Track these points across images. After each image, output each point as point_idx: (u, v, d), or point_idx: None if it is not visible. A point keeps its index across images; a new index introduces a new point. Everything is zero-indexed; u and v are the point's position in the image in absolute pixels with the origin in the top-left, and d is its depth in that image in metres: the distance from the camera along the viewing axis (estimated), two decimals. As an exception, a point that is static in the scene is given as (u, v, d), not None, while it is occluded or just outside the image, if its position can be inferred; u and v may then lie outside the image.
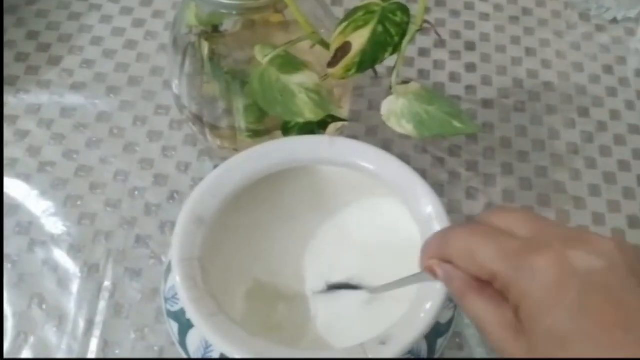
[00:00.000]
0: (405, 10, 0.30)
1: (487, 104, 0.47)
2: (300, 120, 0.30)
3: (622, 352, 0.18)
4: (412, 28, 0.31)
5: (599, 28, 0.52)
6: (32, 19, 0.49)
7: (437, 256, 0.24)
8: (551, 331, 0.20)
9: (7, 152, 0.43)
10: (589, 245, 0.21)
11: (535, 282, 0.20)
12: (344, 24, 0.30)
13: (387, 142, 0.45)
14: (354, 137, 0.45)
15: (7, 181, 0.42)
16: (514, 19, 0.52)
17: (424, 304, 0.27)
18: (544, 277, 0.20)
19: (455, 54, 0.50)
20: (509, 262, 0.21)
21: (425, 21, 0.31)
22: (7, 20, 0.49)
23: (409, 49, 0.31)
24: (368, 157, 0.31)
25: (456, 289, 0.24)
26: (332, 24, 0.36)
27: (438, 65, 0.49)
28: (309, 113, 0.30)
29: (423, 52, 0.50)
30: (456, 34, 0.51)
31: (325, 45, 0.31)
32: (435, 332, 0.28)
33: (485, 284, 0.23)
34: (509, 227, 0.23)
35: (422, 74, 0.49)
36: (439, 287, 0.27)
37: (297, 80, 0.30)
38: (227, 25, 0.32)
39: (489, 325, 0.22)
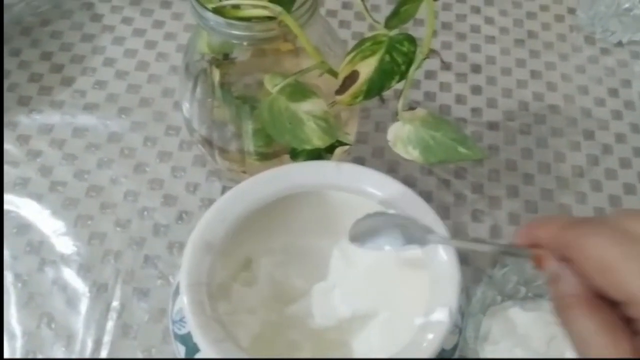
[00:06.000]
0: (411, 40, 0.31)
1: (492, 126, 0.48)
2: (309, 147, 0.31)
3: None
4: (419, 56, 0.31)
5: (604, 51, 0.52)
6: (46, 40, 0.50)
7: (551, 247, 0.22)
8: None
9: (20, 172, 0.44)
10: None
11: None
12: (352, 54, 0.31)
13: (393, 163, 0.45)
14: (360, 158, 0.45)
15: (19, 200, 0.42)
16: (519, 42, 0.53)
17: (428, 331, 0.27)
18: None
19: (461, 77, 0.50)
20: None
21: (432, 50, 0.32)
22: (22, 41, 0.50)
23: (415, 72, 0.32)
24: (375, 183, 0.31)
25: (563, 298, 0.21)
26: (340, 49, 0.37)
27: (444, 87, 0.50)
28: (317, 140, 0.31)
29: (429, 75, 0.50)
30: (462, 57, 0.52)
31: (334, 73, 0.32)
32: (440, 358, 0.29)
33: (602, 304, 0.20)
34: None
35: (429, 96, 0.49)
36: (444, 315, 0.27)
37: (305, 108, 0.31)
38: (238, 52, 0.33)
39: (597, 348, 0.19)
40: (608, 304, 0.20)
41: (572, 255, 0.21)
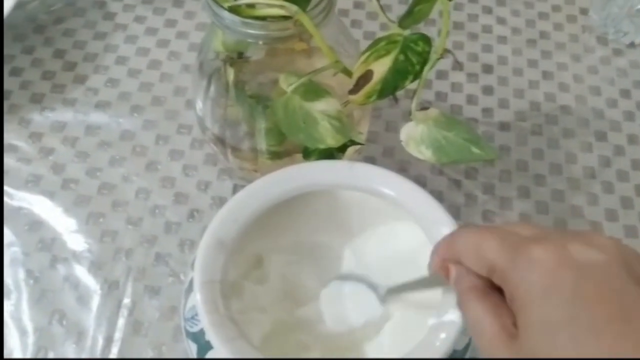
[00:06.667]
0: (426, 40, 0.31)
1: (504, 126, 0.48)
2: (322, 146, 0.31)
3: (622, 342, 0.18)
4: (433, 57, 0.31)
5: (617, 52, 0.52)
6: (59, 38, 0.51)
7: (446, 255, 0.25)
8: (544, 320, 0.19)
9: (32, 169, 0.44)
10: (589, 240, 0.21)
11: (531, 271, 0.20)
12: (367, 53, 0.31)
13: (403, 163, 0.45)
14: (371, 158, 0.45)
15: (31, 197, 0.42)
16: (531, 42, 0.53)
17: (440, 331, 0.27)
18: (540, 266, 0.20)
19: (472, 77, 0.50)
20: (507, 253, 0.22)
21: (446, 50, 0.32)
22: (36, 38, 0.50)
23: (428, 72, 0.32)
24: (388, 182, 0.31)
25: (461, 290, 0.24)
26: (353, 48, 0.37)
27: (455, 87, 0.50)
28: (330, 140, 0.31)
29: (441, 75, 0.50)
30: (474, 57, 0.52)
31: (348, 72, 0.32)
32: (451, 358, 0.29)
33: (492, 291, 0.23)
34: (515, 230, 0.23)
35: (440, 96, 0.49)
36: (456, 315, 0.27)
37: (319, 107, 0.31)
38: (252, 51, 0.33)
39: (483, 327, 0.22)
40: (498, 293, 0.23)
41: (458, 255, 0.24)
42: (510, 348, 0.21)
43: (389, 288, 0.31)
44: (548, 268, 0.20)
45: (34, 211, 0.42)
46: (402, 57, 0.30)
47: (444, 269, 0.25)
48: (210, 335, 0.27)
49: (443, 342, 0.27)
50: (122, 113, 0.47)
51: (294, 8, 0.28)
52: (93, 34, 0.51)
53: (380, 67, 0.31)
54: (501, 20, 0.54)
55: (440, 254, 0.26)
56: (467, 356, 0.30)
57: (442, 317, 0.27)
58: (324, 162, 0.33)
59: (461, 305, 0.24)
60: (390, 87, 0.31)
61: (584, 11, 0.55)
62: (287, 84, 0.30)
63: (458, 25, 0.53)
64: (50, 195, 0.43)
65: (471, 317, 0.23)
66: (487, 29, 0.53)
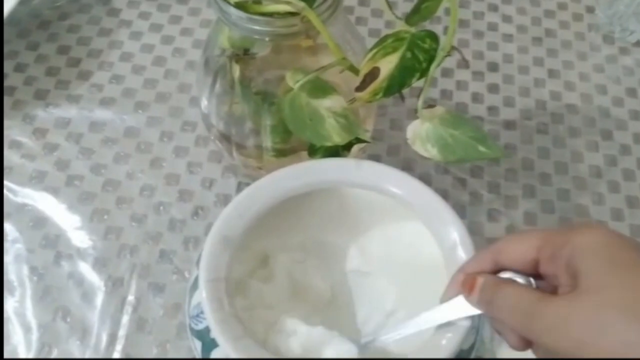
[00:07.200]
0: (434, 37, 0.31)
1: (509, 125, 0.47)
2: (328, 143, 0.30)
3: None
4: (440, 54, 0.31)
5: (623, 51, 0.52)
6: (63, 34, 0.51)
7: (476, 268, 0.27)
8: (610, 262, 0.22)
9: (36, 165, 0.44)
10: None
11: (592, 231, 0.24)
12: (374, 51, 0.30)
13: (409, 161, 0.45)
14: (376, 156, 0.45)
15: (35, 194, 0.42)
16: (537, 40, 0.52)
17: (447, 331, 0.27)
18: (599, 227, 0.24)
19: (478, 75, 0.50)
20: (561, 230, 0.25)
21: (454, 47, 0.32)
22: (40, 34, 0.50)
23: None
24: (394, 181, 0.31)
25: (490, 289, 0.25)
26: (359, 46, 0.36)
27: (461, 85, 0.49)
28: (336, 137, 0.30)
29: (446, 73, 0.50)
30: (479, 55, 0.51)
31: (354, 70, 0.31)
32: (457, 358, 0.28)
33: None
34: None
35: (445, 94, 0.49)
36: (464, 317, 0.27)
37: (326, 104, 0.30)
38: (258, 48, 0.33)
39: (521, 298, 0.24)
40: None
41: (499, 252, 0.26)
42: (551, 299, 0.23)
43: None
44: (606, 229, 0.24)
45: (38, 208, 0.42)
46: (409, 54, 0.30)
47: (467, 282, 0.26)
48: (216, 333, 0.27)
49: (449, 340, 0.27)
50: (126, 110, 0.47)
51: (301, 4, 0.28)
52: (97, 30, 0.51)
53: (387, 65, 0.30)
54: (507, 18, 0.54)
55: (467, 269, 0.27)
56: (472, 356, 0.30)
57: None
58: (330, 159, 0.33)
59: (491, 301, 0.25)
60: (397, 85, 0.31)
61: (590, 9, 0.54)
62: (294, 80, 0.30)
63: (464, 23, 0.53)
64: (55, 191, 0.43)
65: (506, 298, 0.24)
66: (492, 27, 0.53)
